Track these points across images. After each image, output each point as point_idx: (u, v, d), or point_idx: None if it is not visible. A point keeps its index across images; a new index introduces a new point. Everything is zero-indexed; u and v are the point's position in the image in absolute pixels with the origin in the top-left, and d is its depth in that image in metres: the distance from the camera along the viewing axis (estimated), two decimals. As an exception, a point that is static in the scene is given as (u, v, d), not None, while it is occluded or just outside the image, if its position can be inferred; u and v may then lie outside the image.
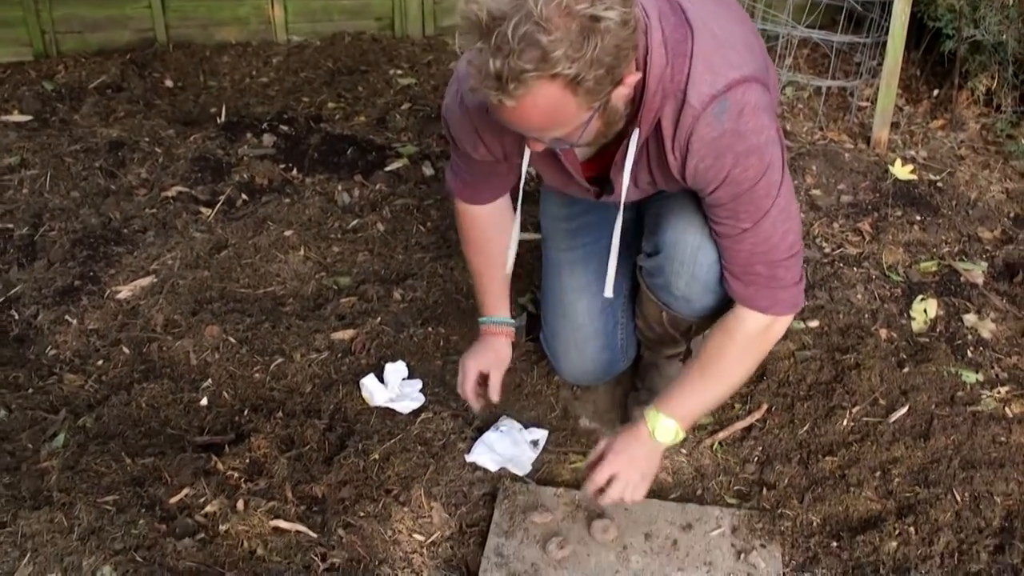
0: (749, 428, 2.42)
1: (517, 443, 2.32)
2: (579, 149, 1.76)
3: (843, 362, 2.60)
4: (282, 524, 2.11)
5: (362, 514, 2.14)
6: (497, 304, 2.24)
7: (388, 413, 2.42)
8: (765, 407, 2.46)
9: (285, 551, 2.07)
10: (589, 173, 1.85)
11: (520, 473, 2.26)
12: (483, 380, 2.26)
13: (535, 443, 2.35)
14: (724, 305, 1.99)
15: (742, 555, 2.07)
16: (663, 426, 1.96)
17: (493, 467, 2.28)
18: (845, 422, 2.42)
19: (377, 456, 2.28)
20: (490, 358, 2.21)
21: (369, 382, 2.43)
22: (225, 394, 2.51)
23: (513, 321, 2.32)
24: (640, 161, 1.76)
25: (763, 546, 2.09)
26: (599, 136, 1.66)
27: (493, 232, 2.16)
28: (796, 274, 1.83)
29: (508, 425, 2.36)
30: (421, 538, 2.14)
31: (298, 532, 2.10)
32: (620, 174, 1.74)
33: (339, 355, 2.60)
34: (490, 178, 2.05)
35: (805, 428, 2.41)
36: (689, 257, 1.91)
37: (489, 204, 2.13)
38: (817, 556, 2.11)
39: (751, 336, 1.90)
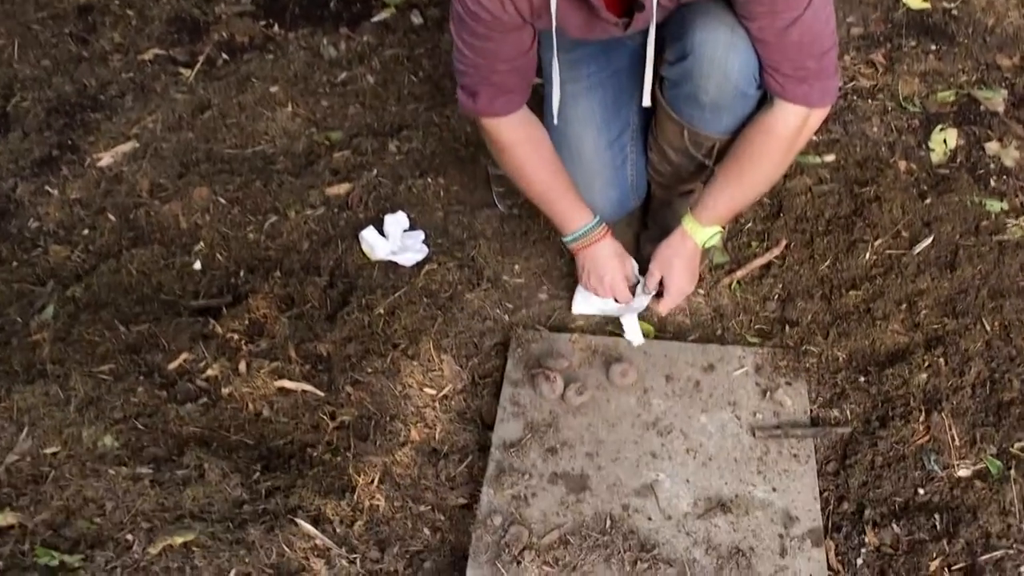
0: (768, 265, 2.32)
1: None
2: None
3: (862, 195, 2.47)
4: (287, 384, 2.02)
5: (370, 370, 2.04)
6: (580, 209, 2.03)
7: (391, 266, 2.31)
8: (784, 243, 2.34)
9: (292, 411, 1.99)
10: (612, 9, 1.71)
11: (628, 332, 2.12)
12: None
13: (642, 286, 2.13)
14: (748, 119, 1.88)
15: (767, 393, 1.98)
16: (706, 233, 1.97)
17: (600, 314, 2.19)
18: (867, 255, 2.31)
19: (382, 311, 2.18)
20: (619, 263, 2.09)
21: (369, 235, 2.31)
22: (219, 256, 2.39)
23: (599, 217, 2.07)
24: None
25: (788, 384, 2.00)
26: None
27: (537, 136, 1.96)
28: (836, 62, 1.77)
29: None
30: (432, 392, 2.05)
31: (304, 392, 2.02)
32: None
33: (335, 210, 2.48)
34: (513, 65, 1.84)
35: (826, 263, 2.30)
36: (721, 55, 1.77)
37: (517, 113, 1.94)
38: (845, 391, 2.03)
39: (793, 131, 1.81)
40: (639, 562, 1.69)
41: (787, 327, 2.18)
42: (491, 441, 1.92)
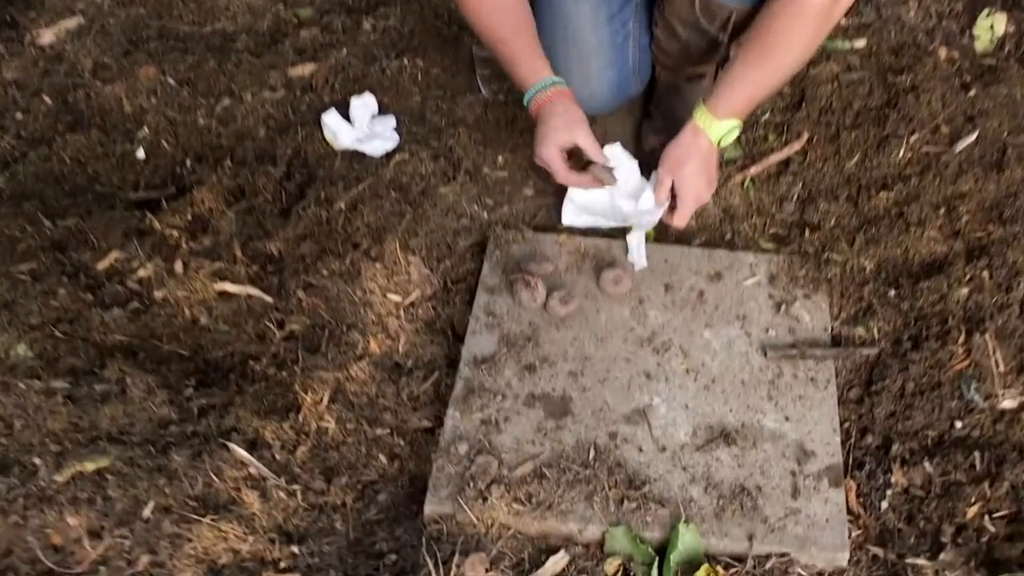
0: (787, 162, 2.03)
1: (624, 190, 1.80)
2: None
3: (897, 85, 2.16)
4: (230, 288, 1.76)
5: (326, 273, 1.78)
6: (539, 65, 1.74)
7: (356, 157, 2.02)
8: (806, 137, 2.05)
9: (234, 319, 1.73)
10: None
11: (632, 251, 1.82)
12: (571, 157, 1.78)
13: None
14: None
15: (782, 307, 1.71)
16: (722, 128, 1.66)
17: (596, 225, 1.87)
18: (902, 152, 2.01)
19: (343, 205, 1.90)
20: (562, 126, 1.71)
21: (331, 120, 2.02)
22: (164, 143, 2.11)
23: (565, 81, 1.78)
24: None
25: (807, 296, 1.73)
26: None
27: None
28: None
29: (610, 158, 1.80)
30: (397, 298, 1.78)
31: (249, 296, 1.75)
32: None
33: (297, 93, 2.19)
34: None
35: (854, 160, 2.01)
36: None
37: None
38: (872, 306, 1.75)
39: (822, 9, 1.51)
40: (626, 500, 1.44)
41: (807, 232, 1.89)
42: (461, 356, 1.65)
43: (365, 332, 1.73)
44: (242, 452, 1.50)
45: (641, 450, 1.51)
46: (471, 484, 1.46)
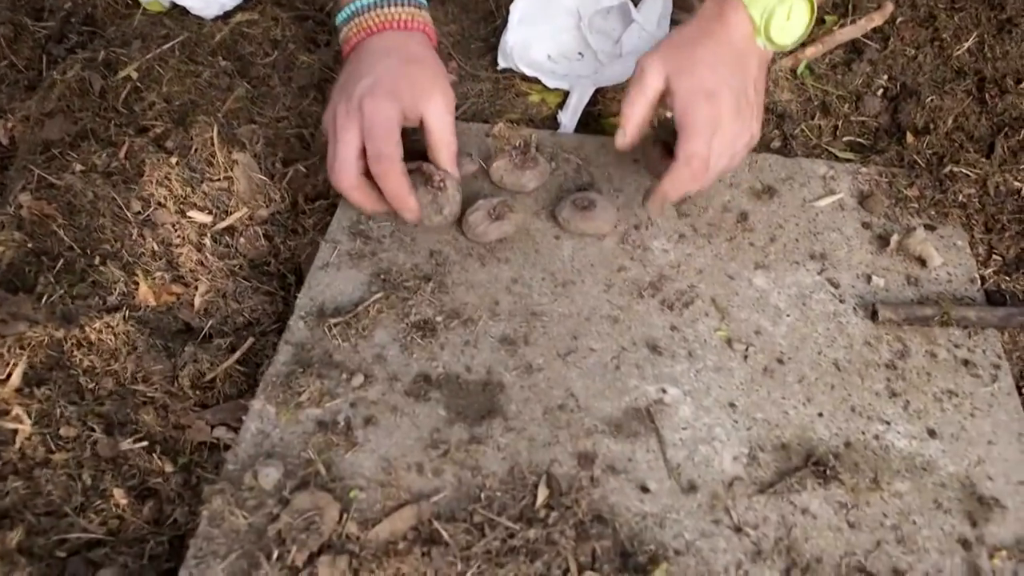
0: (857, 48, 1.28)
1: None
2: None
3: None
4: None
5: (79, 168, 1.01)
6: None
7: (176, 15, 1.24)
8: (890, 7, 1.29)
9: None
10: None
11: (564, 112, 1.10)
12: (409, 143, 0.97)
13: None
14: None
15: (891, 243, 0.94)
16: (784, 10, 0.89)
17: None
18: (1039, 37, 1.26)
19: (133, 72, 1.12)
20: (404, 88, 0.91)
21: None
22: None
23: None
24: None
25: (930, 227, 0.95)
26: None
27: None
28: None
29: None
30: (204, 218, 1.01)
31: (-74, 198, 0.94)
32: None
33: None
34: None
35: (964, 47, 1.26)
36: None
37: None
38: (1039, 248, 0.98)
39: None
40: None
41: (909, 137, 1.12)
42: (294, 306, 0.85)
43: (132, 268, 0.93)
44: None
45: (645, 489, 0.72)
46: (275, 557, 0.64)
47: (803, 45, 1.28)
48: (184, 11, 1.26)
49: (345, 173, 0.87)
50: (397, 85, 0.88)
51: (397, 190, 0.86)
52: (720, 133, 0.85)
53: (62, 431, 0.81)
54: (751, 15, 0.90)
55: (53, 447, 0.80)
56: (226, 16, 1.26)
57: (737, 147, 0.89)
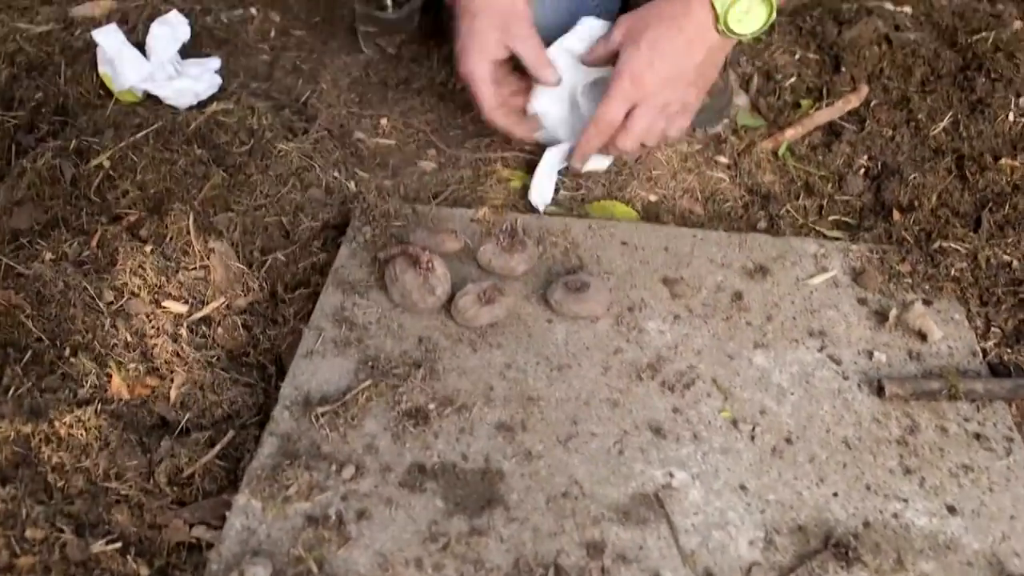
0: (836, 131, 1.30)
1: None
2: None
3: (974, 46, 1.46)
4: None
5: (49, 256, 0.96)
6: None
7: (150, 104, 1.22)
8: (865, 89, 1.31)
9: None
10: None
11: (535, 187, 1.11)
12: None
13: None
14: None
15: (889, 318, 0.91)
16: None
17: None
18: (1011, 117, 1.28)
19: (106, 161, 1.09)
20: (493, 27, 1.06)
21: (108, 41, 1.22)
22: None
23: None
24: None
25: (926, 302, 0.93)
26: None
27: None
28: None
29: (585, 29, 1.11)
30: (180, 308, 0.96)
31: None
32: None
33: (76, 31, 1.39)
34: None
35: (940, 127, 1.27)
36: None
37: None
38: (1035, 321, 0.97)
39: None
40: None
41: (895, 214, 1.12)
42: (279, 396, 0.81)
43: (105, 359, 0.88)
44: None
45: (658, 580, 0.67)
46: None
47: (781, 128, 1.28)
48: (158, 101, 1.24)
49: (484, 105, 1.06)
50: (485, 28, 1.05)
51: (498, 120, 1.07)
52: (646, 102, 0.99)
53: (28, 533, 0.76)
54: (713, 3, 0.97)
55: (18, 550, 0.74)
56: (200, 106, 1.24)
57: (670, 112, 1.02)
